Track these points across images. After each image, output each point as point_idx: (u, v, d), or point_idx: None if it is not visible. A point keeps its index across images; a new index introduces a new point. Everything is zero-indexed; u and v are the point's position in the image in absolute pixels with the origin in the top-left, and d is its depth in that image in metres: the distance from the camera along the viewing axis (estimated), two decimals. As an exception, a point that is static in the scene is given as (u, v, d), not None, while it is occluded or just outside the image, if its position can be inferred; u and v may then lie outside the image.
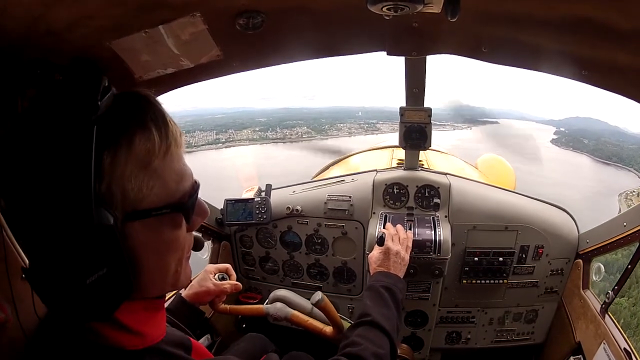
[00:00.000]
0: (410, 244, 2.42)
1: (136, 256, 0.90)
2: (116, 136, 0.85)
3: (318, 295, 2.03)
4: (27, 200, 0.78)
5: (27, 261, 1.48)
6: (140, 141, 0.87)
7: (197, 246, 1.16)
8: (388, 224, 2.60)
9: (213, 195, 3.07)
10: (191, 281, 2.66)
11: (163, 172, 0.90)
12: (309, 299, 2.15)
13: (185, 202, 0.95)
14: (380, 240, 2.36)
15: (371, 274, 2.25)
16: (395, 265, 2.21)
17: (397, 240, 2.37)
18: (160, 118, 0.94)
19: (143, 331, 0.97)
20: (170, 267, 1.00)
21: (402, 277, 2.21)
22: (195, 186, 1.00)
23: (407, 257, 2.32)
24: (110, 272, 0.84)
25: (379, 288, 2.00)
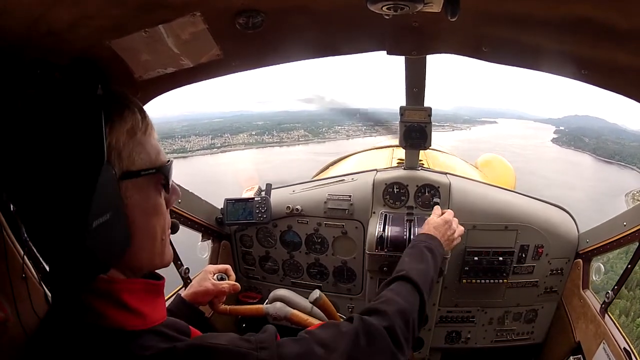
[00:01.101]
0: (458, 238, 2.36)
1: (128, 214, 1.03)
2: (112, 112, 1.02)
3: (316, 293, 2.04)
4: (46, 157, 0.92)
5: (28, 263, 1.49)
6: (128, 116, 1.06)
7: (174, 228, 1.32)
8: (450, 210, 2.47)
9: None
10: (190, 280, 2.67)
11: (145, 144, 1.09)
12: (308, 298, 2.16)
13: (164, 167, 1.12)
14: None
15: (420, 233, 2.24)
16: (445, 239, 2.21)
17: (455, 226, 2.34)
18: (138, 105, 1.13)
19: (144, 312, 1.04)
20: (157, 233, 1.13)
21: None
22: (170, 161, 1.17)
23: (454, 242, 2.30)
24: (112, 218, 0.97)
25: (421, 247, 2.02)
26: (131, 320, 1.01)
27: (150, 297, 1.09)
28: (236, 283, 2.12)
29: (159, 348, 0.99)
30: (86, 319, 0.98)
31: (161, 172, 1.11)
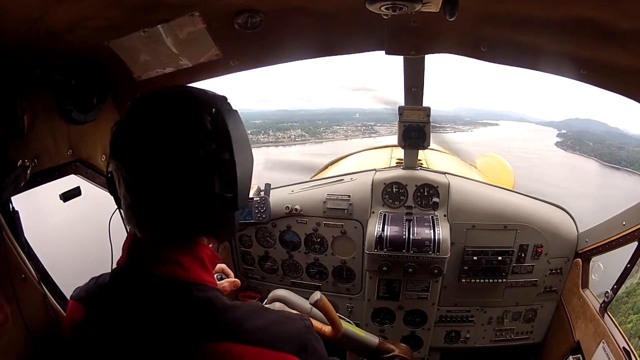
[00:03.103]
0: None
1: None
2: None
3: (317, 295, 2.03)
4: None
5: (27, 263, 1.49)
6: None
7: None
8: None
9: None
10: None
11: None
12: (308, 299, 2.15)
13: None
14: None
15: None
16: None
17: None
18: None
19: (212, 273, 1.23)
20: None
21: None
22: None
23: None
24: (233, 198, 1.16)
25: None
26: (207, 276, 1.17)
27: (212, 266, 1.24)
28: (236, 279, 2.11)
29: (231, 302, 1.13)
30: (173, 272, 1.11)
31: None
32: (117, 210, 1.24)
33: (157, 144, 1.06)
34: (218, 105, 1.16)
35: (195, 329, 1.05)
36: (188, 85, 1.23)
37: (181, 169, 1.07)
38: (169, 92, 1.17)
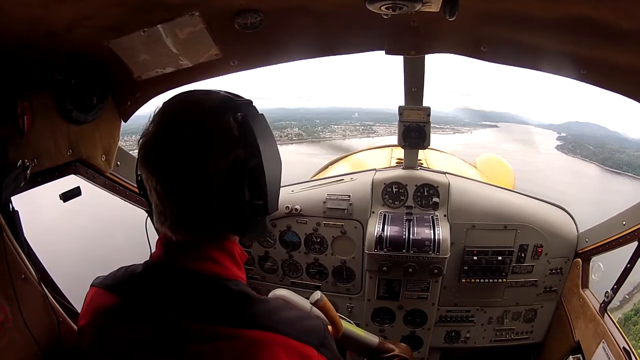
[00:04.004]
0: None
1: None
2: None
3: (317, 294, 2.03)
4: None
5: (27, 263, 1.49)
6: None
7: None
8: None
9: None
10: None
11: None
12: (308, 299, 2.15)
13: None
14: None
15: None
16: None
17: None
18: None
19: (242, 269, 1.28)
20: None
21: None
22: None
23: None
24: (264, 205, 1.17)
25: None
26: (239, 272, 1.24)
27: (242, 262, 1.29)
28: None
29: (262, 297, 1.22)
30: (208, 267, 1.18)
31: None
32: (148, 213, 1.27)
33: (186, 157, 1.08)
34: (243, 110, 1.15)
35: (233, 317, 1.12)
36: (212, 90, 1.22)
37: (211, 180, 1.09)
38: (194, 100, 1.17)
